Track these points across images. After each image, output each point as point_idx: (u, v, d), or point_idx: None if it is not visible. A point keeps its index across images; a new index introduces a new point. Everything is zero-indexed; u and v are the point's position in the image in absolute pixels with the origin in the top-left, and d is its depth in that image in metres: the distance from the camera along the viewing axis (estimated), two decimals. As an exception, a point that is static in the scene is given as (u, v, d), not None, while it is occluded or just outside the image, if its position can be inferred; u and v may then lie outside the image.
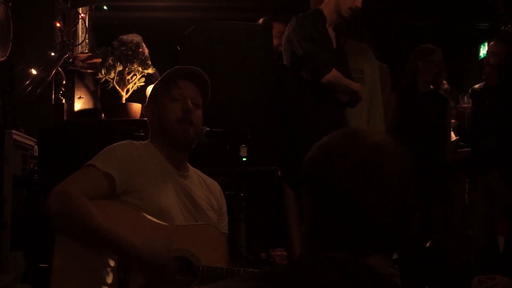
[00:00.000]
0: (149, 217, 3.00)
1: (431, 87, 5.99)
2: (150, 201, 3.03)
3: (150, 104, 3.26)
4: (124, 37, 6.09)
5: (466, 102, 6.00)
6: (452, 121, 6.34)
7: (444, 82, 6.39)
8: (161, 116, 3.18)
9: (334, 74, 4.68)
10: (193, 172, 3.33)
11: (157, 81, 3.30)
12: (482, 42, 9.89)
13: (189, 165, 3.31)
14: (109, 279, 2.90)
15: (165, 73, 3.24)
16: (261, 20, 6.28)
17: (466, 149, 6.26)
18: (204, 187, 3.33)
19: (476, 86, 6.30)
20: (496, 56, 6.01)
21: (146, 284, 2.91)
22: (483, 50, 9.84)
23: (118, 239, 2.87)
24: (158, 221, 3.01)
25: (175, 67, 3.26)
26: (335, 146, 1.58)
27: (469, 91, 6.23)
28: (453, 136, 6.36)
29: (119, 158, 3.05)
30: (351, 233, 1.50)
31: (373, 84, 5.41)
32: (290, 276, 1.47)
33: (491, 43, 6.22)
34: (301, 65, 4.72)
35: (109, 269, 2.90)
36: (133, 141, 3.21)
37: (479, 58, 9.94)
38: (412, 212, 1.54)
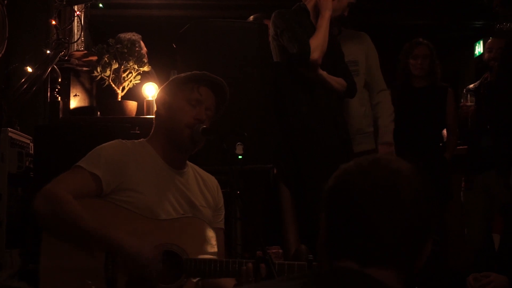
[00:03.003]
0: (136, 214, 3.00)
1: (425, 81, 5.98)
2: (140, 199, 3.04)
3: (165, 97, 3.25)
4: (121, 35, 6.10)
5: (469, 101, 5.98)
6: None
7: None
8: (173, 114, 3.18)
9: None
10: (190, 168, 3.33)
11: (181, 76, 3.27)
12: (477, 40, 9.91)
13: (187, 161, 3.32)
14: (97, 277, 2.91)
15: (192, 73, 3.23)
16: (251, 18, 6.27)
17: (463, 146, 6.26)
18: (200, 183, 3.34)
19: (471, 85, 6.29)
20: (493, 51, 6.01)
21: (133, 281, 2.92)
22: (478, 48, 9.85)
23: (105, 236, 2.89)
24: (143, 216, 3.01)
25: (203, 72, 3.25)
26: (358, 168, 1.68)
27: (464, 91, 6.23)
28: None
29: (106, 158, 3.06)
30: (361, 245, 1.60)
31: (369, 71, 5.40)
32: (306, 285, 1.56)
33: (488, 40, 6.22)
34: (288, 57, 4.71)
35: (96, 268, 2.91)
36: (123, 140, 3.21)
37: (475, 56, 9.95)
38: (424, 234, 1.64)
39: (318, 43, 4.62)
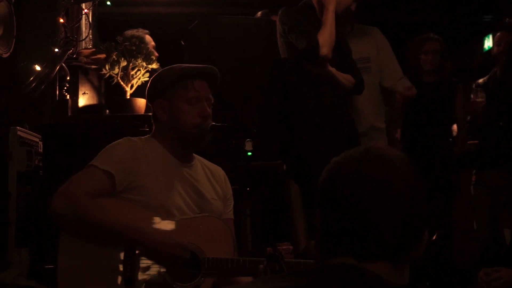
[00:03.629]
0: (152, 213, 3.01)
1: (435, 76, 5.96)
2: (152, 196, 3.05)
3: (161, 101, 3.23)
4: (129, 32, 6.10)
5: (479, 97, 5.95)
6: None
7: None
8: (177, 118, 3.17)
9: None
10: (197, 161, 3.33)
11: (167, 74, 3.26)
12: (486, 34, 9.87)
13: (194, 154, 3.31)
14: (115, 276, 2.91)
15: (179, 69, 3.22)
16: (259, 14, 6.26)
17: (474, 141, 6.23)
18: (208, 175, 3.34)
19: (480, 80, 6.27)
20: (501, 45, 5.99)
21: (152, 279, 2.92)
22: (488, 43, 9.82)
23: (137, 230, 2.93)
24: (160, 216, 3.03)
25: (190, 65, 3.24)
26: (348, 160, 1.64)
27: (473, 86, 6.20)
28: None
29: (118, 155, 3.07)
30: (357, 240, 1.56)
31: (383, 64, 5.39)
32: (302, 282, 1.52)
33: (497, 34, 6.20)
34: (296, 53, 4.70)
35: (115, 267, 2.92)
36: (131, 138, 3.21)
37: (483, 51, 9.92)
38: (420, 224, 1.61)
39: (325, 38, 4.61)
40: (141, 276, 2.93)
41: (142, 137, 3.27)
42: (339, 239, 1.58)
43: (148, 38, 6.31)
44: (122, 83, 5.45)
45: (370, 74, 5.19)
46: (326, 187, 1.64)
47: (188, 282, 2.98)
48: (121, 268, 2.92)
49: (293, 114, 4.69)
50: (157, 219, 3.01)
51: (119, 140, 3.17)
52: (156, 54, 5.82)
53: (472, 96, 6.02)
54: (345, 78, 4.80)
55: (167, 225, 3.02)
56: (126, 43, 5.44)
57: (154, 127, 3.29)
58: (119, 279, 2.91)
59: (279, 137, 4.59)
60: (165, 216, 3.03)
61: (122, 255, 2.93)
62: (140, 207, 3.01)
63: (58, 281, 2.93)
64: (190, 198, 3.18)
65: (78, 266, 2.94)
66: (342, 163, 1.64)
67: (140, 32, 6.24)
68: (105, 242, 2.93)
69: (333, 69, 4.71)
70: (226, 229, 3.17)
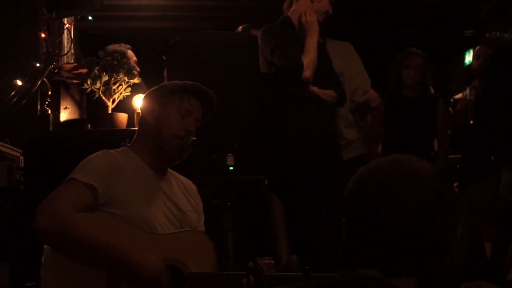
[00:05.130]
0: (135, 228, 2.99)
1: (417, 91, 5.97)
2: (133, 210, 3.03)
3: (154, 104, 3.24)
4: (111, 46, 6.10)
5: (469, 95, 5.95)
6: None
7: (430, 88, 6.38)
8: (162, 123, 3.17)
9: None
10: (170, 174, 3.33)
11: (170, 85, 3.27)
12: (467, 49, 9.93)
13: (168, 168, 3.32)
14: None
15: (183, 82, 3.23)
16: (239, 28, 6.28)
17: (456, 156, 6.24)
18: (182, 188, 3.34)
19: (459, 95, 6.30)
20: (480, 59, 6.01)
21: None
22: (469, 57, 9.87)
23: (115, 249, 2.87)
24: (142, 231, 3.00)
25: (194, 83, 3.26)
26: (374, 170, 1.61)
27: (451, 100, 6.23)
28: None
29: (98, 168, 3.04)
30: (383, 253, 1.52)
31: (352, 82, 5.41)
32: None
33: (476, 48, 6.22)
34: (278, 74, 4.71)
35: (100, 282, 2.90)
36: (109, 150, 3.19)
37: (464, 66, 9.97)
38: (447, 241, 1.56)
39: (309, 62, 4.63)
40: None
41: (118, 149, 3.27)
42: (364, 250, 1.55)
43: (130, 53, 6.31)
44: (103, 97, 5.45)
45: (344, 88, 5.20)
46: (352, 197, 1.60)
47: None
48: (106, 285, 2.90)
49: (275, 128, 4.70)
50: (140, 234, 2.99)
51: (96, 153, 3.15)
52: (138, 69, 5.83)
53: (463, 95, 6.02)
54: (327, 95, 4.81)
55: (150, 240, 2.99)
56: (108, 58, 5.44)
57: (135, 136, 3.29)
58: None
59: (261, 151, 4.60)
60: (148, 231, 3.02)
61: (106, 272, 2.90)
62: (122, 222, 2.99)
63: None
64: (170, 212, 3.18)
65: (62, 281, 2.92)
66: (369, 173, 1.61)
67: (122, 47, 6.25)
68: (89, 258, 2.90)
69: (315, 89, 4.72)
70: (208, 242, 3.16)
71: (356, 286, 1.49)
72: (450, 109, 6.07)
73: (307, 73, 4.61)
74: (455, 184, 6.14)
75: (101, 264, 2.88)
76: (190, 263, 3.01)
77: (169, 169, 3.34)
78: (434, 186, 1.55)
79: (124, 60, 5.57)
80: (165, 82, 3.34)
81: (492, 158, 5.08)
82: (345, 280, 1.54)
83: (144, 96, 3.32)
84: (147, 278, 2.88)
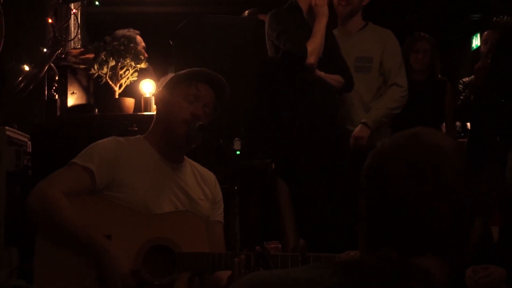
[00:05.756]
0: (127, 208, 3.00)
1: (425, 75, 5.96)
2: (134, 195, 3.04)
3: (164, 93, 3.26)
4: (120, 31, 6.10)
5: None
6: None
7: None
8: (170, 110, 3.18)
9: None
10: (188, 163, 3.34)
11: (181, 73, 3.29)
12: (474, 33, 9.91)
13: (185, 157, 3.32)
14: (90, 276, 2.91)
15: (191, 69, 3.25)
16: (246, 13, 6.26)
17: (463, 139, 6.23)
18: (197, 177, 3.34)
19: (466, 78, 6.28)
20: (488, 43, 6.00)
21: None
22: (476, 41, 9.85)
23: (86, 235, 2.90)
24: (136, 211, 3.01)
25: (202, 69, 3.27)
26: (391, 147, 1.53)
27: (460, 84, 6.22)
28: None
29: (100, 153, 3.06)
30: (403, 233, 1.46)
31: (384, 66, 5.34)
32: (347, 274, 1.42)
33: (484, 33, 6.21)
34: (284, 59, 4.70)
35: (89, 266, 2.92)
36: (117, 137, 3.21)
37: (472, 50, 9.95)
38: (469, 215, 1.50)
39: (314, 48, 4.62)
40: None
41: (132, 137, 3.28)
42: (385, 229, 1.48)
43: (138, 38, 6.31)
44: (110, 82, 5.45)
45: (368, 74, 5.17)
46: (370, 173, 1.53)
47: (163, 277, 2.97)
48: (94, 268, 2.92)
49: (283, 113, 4.70)
50: (133, 214, 2.99)
51: (104, 139, 3.18)
52: (146, 55, 5.83)
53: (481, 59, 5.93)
54: (334, 80, 4.80)
55: (142, 219, 3.00)
56: (114, 43, 5.44)
57: (151, 125, 3.30)
58: (94, 278, 2.91)
59: (268, 135, 4.60)
60: (142, 212, 3.03)
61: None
62: (119, 204, 3.00)
63: (35, 280, 2.94)
64: (178, 199, 3.19)
65: (53, 265, 2.93)
66: (388, 149, 1.53)
67: (131, 32, 6.25)
68: (72, 242, 2.92)
69: (321, 73, 4.71)
70: (202, 227, 3.15)
71: (377, 267, 1.43)
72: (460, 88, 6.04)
73: (311, 59, 4.60)
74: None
75: (82, 250, 2.92)
76: (183, 243, 3.02)
77: (187, 159, 3.35)
78: (456, 162, 1.49)
79: (131, 45, 5.57)
80: (179, 72, 3.34)
81: (499, 141, 5.08)
82: (364, 262, 1.48)
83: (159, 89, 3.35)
84: (106, 265, 2.90)
